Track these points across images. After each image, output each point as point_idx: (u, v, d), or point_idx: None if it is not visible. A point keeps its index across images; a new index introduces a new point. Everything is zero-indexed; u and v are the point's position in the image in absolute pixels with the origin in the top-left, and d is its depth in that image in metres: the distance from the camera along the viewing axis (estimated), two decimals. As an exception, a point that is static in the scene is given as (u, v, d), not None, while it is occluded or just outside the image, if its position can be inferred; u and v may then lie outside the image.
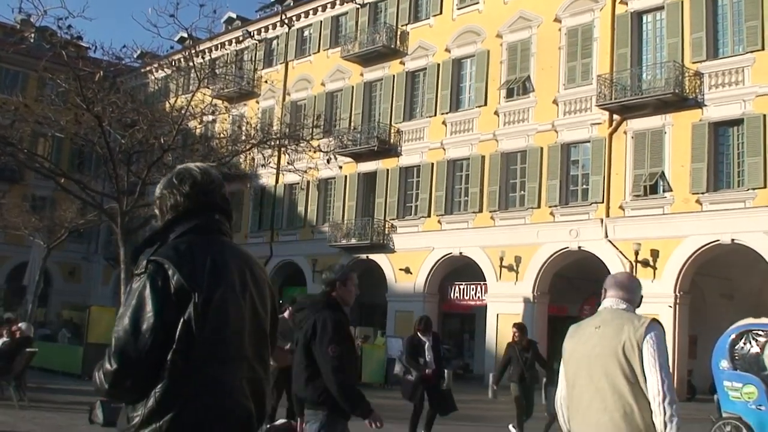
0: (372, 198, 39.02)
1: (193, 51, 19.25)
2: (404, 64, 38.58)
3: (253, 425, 3.00)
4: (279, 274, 43.30)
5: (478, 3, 36.03)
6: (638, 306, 4.42)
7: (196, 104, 18.65)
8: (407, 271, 36.42)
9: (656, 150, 29.19)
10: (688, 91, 28.45)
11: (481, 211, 34.00)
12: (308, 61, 43.84)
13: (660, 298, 28.03)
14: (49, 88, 22.38)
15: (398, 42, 38.87)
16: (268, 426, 12.48)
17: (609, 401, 4.06)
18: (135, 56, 21.81)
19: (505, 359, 15.61)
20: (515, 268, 32.36)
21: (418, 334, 13.40)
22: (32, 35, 24.47)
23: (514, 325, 15.97)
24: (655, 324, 4.16)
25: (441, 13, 37.45)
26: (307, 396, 5.88)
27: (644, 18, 30.80)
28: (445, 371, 14.66)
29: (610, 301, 4.39)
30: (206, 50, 40.97)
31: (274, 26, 46.11)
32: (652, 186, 29.13)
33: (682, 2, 29.08)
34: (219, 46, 46.27)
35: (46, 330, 31.21)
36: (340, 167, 38.00)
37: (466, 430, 16.40)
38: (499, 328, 32.74)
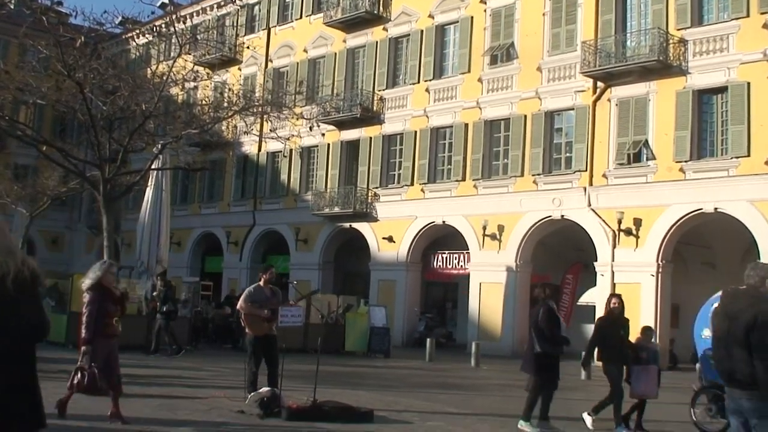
0: (355, 166, 38.91)
1: (174, 17, 19.05)
2: (387, 30, 38.33)
3: None
4: (262, 242, 43.28)
5: (462, -31, 35.78)
6: None
7: (177, 71, 18.49)
8: (390, 239, 36.41)
9: (640, 118, 29.18)
10: (672, 58, 28.40)
11: (464, 179, 33.97)
12: (290, 27, 43.51)
13: (643, 266, 28.16)
14: (30, 55, 22.12)
15: (381, 8, 38.59)
16: (252, 393, 12.49)
17: None
18: (116, 22, 21.57)
19: (598, 335, 13.29)
20: (498, 236, 32.40)
21: (549, 301, 12.45)
22: (12, 1, 24.16)
23: (614, 295, 13.94)
24: None
25: (425, -21, 37.19)
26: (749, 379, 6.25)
27: (629, -15, 30.67)
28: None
29: None
30: (188, 16, 40.75)
31: (257, -8, 45.68)
32: (636, 154, 29.14)
33: (667, -31, 28.98)
34: (200, 11, 45.96)
35: (29, 298, 31.04)
36: (323, 135, 37.87)
37: (452, 398, 16.43)
38: (482, 297, 32.86)
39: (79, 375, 10.10)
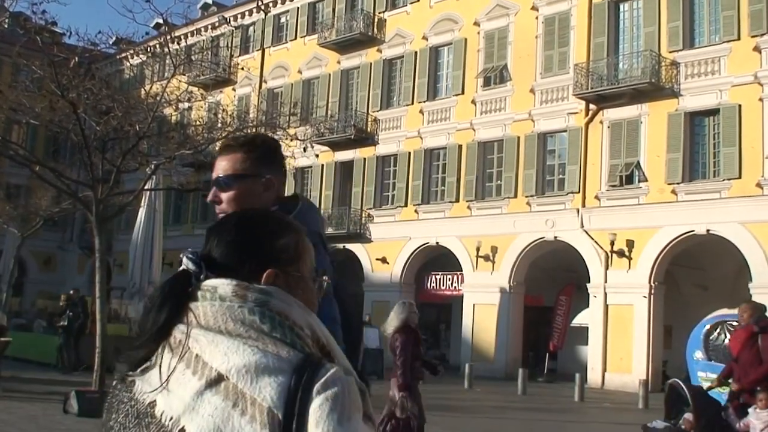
0: (349, 187, 38.94)
1: (168, 37, 19.07)
2: (381, 51, 38.47)
3: None
4: (255, 262, 43.14)
5: (455, -9, 35.97)
6: None
7: (171, 91, 18.48)
8: (384, 260, 36.38)
9: (632, 140, 29.28)
10: (664, 80, 28.54)
11: (457, 200, 34.01)
12: (285, 48, 43.64)
13: (635, 288, 28.17)
14: (24, 75, 22.12)
15: (375, 29, 38.75)
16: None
17: None
18: (110, 42, 21.60)
19: None
20: (492, 258, 32.41)
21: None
22: (6, 20, 24.18)
23: None
24: None
25: (418, 0, 37.36)
26: None
27: (621, 7, 30.87)
28: None
29: None
30: (182, 36, 40.77)
31: (251, 12, 45.86)
32: (628, 176, 29.24)
33: (659, -8, 29.18)
34: (195, 32, 46.00)
35: (21, 319, 30.97)
36: (317, 156, 37.87)
37: (447, 420, 16.39)
38: (476, 318, 32.83)
39: (392, 422, 9.48)
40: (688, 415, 10.04)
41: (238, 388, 1.47)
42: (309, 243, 1.74)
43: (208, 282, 1.60)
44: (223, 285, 1.58)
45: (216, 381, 1.48)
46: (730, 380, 10.43)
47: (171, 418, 1.48)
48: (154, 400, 1.51)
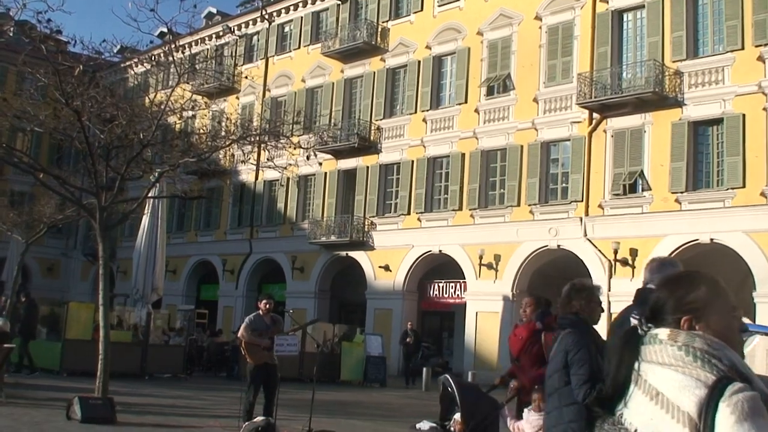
0: (352, 195, 38.97)
1: (173, 46, 19.11)
2: (385, 60, 38.54)
3: None
4: (258, 270, 43.22)
5: (459, 0, 36.04)
6: None
7: (175, 99, 18.50)
8: (387, 268, 36.39)
9: (635, 149, 29.29)
10: (668, 90, 28.56)
11: (460, 209, 34.02)
12: (288, 57, 43.73)
13: (638, 296, 28.14)
14: (28, 83, 22.19)
15: (379, 39, 38.82)
16: (246, 423, 12.44)
17: None
18: (115, 51, 21.64)
19: None
20: (495, 266, 32.40)
21: None
22: (11, 29, 24.25)
23: None
24: None
25: (422, 10, 37.43)
26: None
27: (625, 16, 30.90)
28: None
29: None
30: (186, 45, 40.90)
31: (255, 22, 45.98)
32: (632, 185, 29.23)
33: (663, 1, 29.17)
34: (199, 41, 46.15)
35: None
36: (320, 164, 37.85)
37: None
38: (478, 326, 32.81)
39: None
40: (458, 416, 9.53)
41: (669, 400, 2.15)
42: (722, 288, 2.40)
43: (652, 331, 2.34)
44: (661, 332, 2.30)
45: (654, 395, 2.19)
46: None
47: (631, 423, 2.23)
48: (622, 413, 2.26)
